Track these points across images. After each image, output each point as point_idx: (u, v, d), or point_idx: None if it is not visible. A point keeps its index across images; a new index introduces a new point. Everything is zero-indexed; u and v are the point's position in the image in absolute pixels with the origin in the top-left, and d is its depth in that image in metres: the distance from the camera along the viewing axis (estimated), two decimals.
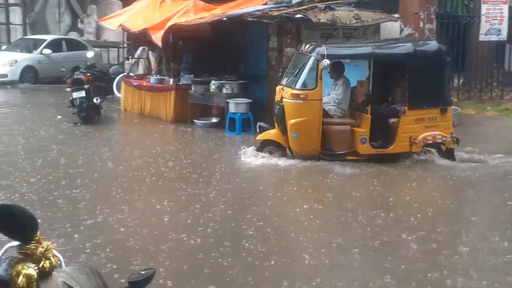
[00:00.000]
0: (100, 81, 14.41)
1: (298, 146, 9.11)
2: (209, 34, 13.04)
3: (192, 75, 12.90)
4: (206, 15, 12.25)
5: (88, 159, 9.29)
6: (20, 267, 2.06)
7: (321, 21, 10.94)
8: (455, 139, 9.30)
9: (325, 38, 11.34)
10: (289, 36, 11.32)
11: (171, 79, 13.07)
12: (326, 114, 9.20)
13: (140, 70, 14.77)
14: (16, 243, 2.14)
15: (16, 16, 24.70)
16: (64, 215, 6.59)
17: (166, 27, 12.11)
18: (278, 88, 9.38)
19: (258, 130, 9.77)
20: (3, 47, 20.39)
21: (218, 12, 12.29)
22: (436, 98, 9.22)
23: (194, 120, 12.24)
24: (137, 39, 15.45)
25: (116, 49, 24.42)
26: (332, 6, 11.54)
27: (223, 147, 10.75)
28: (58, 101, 14.74)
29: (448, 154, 9.24)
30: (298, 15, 10.94)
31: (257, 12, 11.31)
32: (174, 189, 7.77)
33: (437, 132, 9.11)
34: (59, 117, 12.81)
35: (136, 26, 12.93)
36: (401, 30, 13.30)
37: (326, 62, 8.74)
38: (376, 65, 9.56)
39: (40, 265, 2.08)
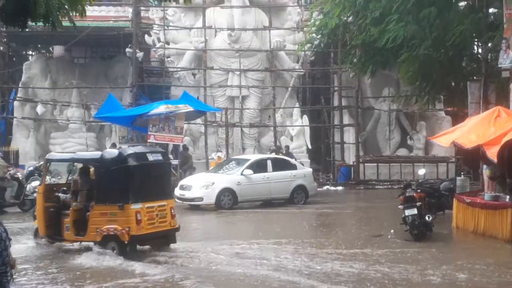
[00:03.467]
0: (431, 197, 14.41)
1: (39, 229, 11.57)
2: None
3: None
4: None
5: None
6: None
7: None
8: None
9: None
10: None
11: (507, 196, 12.35)
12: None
13: None
14: None
15: (350, 135, 26.61)
16: None
17: (502, 142, 11.64)
18: None
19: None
20: (211, 169, 20.24)
21: None
22: (116, 197, 10.65)
23: None
24: (468, 154, 15.15)
25: (445, 164, 24.32)
26: None
27: None
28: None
29: (123, 248, 10.51)
30: None
31: None
32: None
33: (113, 226, 10.52)
34: (392, 231, 13.04)
35: (469, 142, 12.74)
36: None
37: (41, 163, 11.10)
38: None
39: None
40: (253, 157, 19.87)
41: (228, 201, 17.45)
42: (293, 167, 19.03)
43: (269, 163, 18.56)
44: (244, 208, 17.75)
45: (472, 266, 10.01)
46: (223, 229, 14.92)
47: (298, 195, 18.59)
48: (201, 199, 17.42)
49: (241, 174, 17.80)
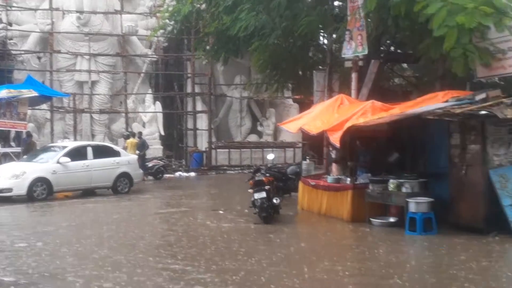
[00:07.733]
0: (279, 181, 14.96)
1: None
2: (387, 133, 13.04)
3: (369, 174, 12.87)
4: (384, 115, 12.29)
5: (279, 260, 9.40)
6: None
7: (508, 116, 10.44)
8: None
9: None
10: (473, 133, 10.95)
11: (348, 179, 13.10)
12: None
13: None
14: None
15: (202, 122, 26.82)
16: None
17: (344, 128, 12.32)
18: None
19: None
20: (25, 157, 18.78)
21: (396, 111, 12.25)
22: None
23: (371, 220, 12.05)
24: (313, 139, 15.88)
25: (292, 149, 25.37)
26: None
27: (405, 248, 10.35)
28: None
29: None
30: (483, 112, 10.55)
31: (438, 110, 11.11)
32: None
33: None
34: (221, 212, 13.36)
35: (315, 128, 13.29)
36: None
37: None
38: None
39: None
40: (71, 144, 18.97)
41: (42, 191, 16.36)
42: (117, 154, 18.47)
43: (89, 150, 17.74)
44: (61, 199, 16.86)
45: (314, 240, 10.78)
46: (31, 223, 13.02)
47: (122, 183, 18.12)
48: (10, 190, 16.06)
49: (57, 162, 16.79)
